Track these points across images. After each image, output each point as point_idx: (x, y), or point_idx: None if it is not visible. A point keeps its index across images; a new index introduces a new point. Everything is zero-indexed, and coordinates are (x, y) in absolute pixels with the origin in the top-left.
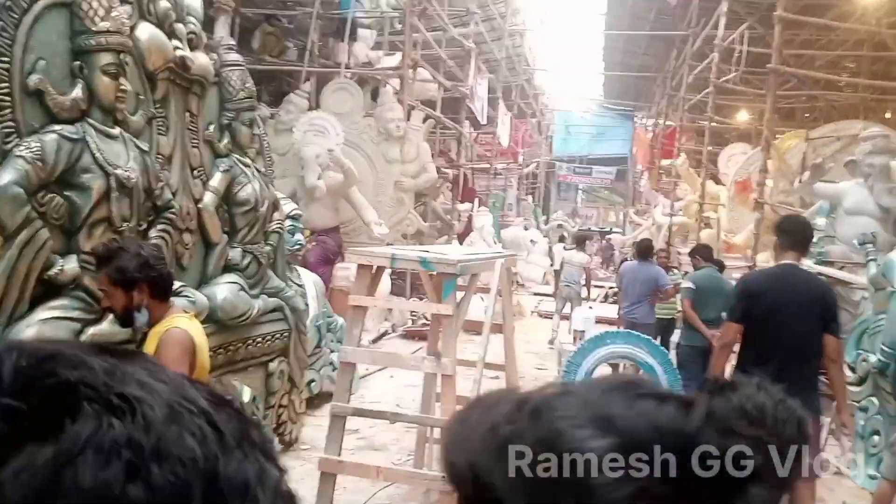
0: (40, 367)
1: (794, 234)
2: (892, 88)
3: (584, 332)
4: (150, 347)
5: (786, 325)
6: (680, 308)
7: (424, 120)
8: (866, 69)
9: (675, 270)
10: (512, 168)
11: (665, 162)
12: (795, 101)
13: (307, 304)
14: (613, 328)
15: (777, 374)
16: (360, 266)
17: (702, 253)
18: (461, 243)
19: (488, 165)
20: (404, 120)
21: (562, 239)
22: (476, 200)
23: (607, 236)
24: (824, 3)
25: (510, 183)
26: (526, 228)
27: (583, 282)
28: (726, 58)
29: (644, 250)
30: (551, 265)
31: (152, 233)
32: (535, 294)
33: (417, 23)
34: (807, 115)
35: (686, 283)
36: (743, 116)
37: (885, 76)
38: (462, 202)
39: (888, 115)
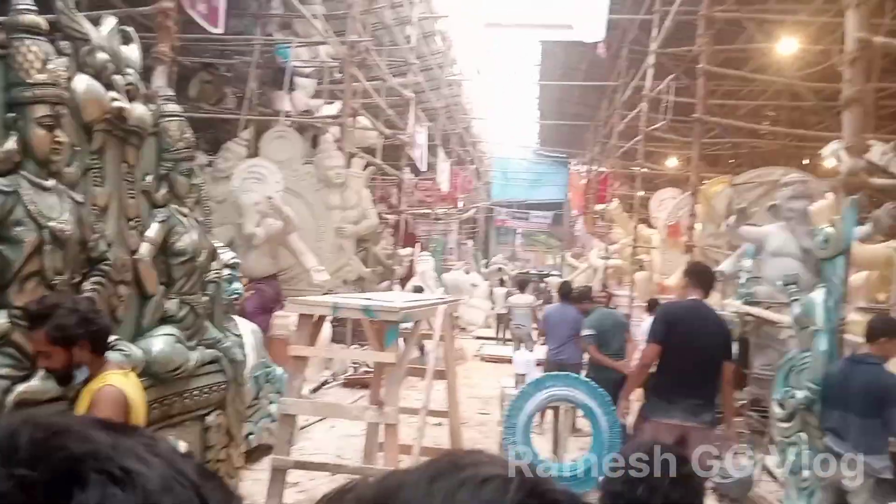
0: (52, 440)
1: (701, 275)
2: (809, 136)
3: (525, 375)
4: (83, 405)
5: (698, 350)
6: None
7: (365, 167)
8: (785, 118)
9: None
10: (452, 213)
11: (599, 207)
12: (720, 148)
13: (245, 355)
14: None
15: (689, 392)
16: (302, 315)
17: (562, 291)
18: (403, 288)
19: (429, 211)
20: (345, 167)
21: (502, 282)
22: (417, 245)
23: (545, 279)
24: (744, 56)
25: (451, 228)
26: (467, 272)
27: (533, 323)
28: (655, 107)
29: (566, 292)
30: (492, 308)
31: (86, 285)
32: (478, 338)
33: (357, 72)
34: (731, 161)
35: (585, 331)
36: (672, 163)
37: (802, 125)
38: (404, 247)
39: (806, 161)
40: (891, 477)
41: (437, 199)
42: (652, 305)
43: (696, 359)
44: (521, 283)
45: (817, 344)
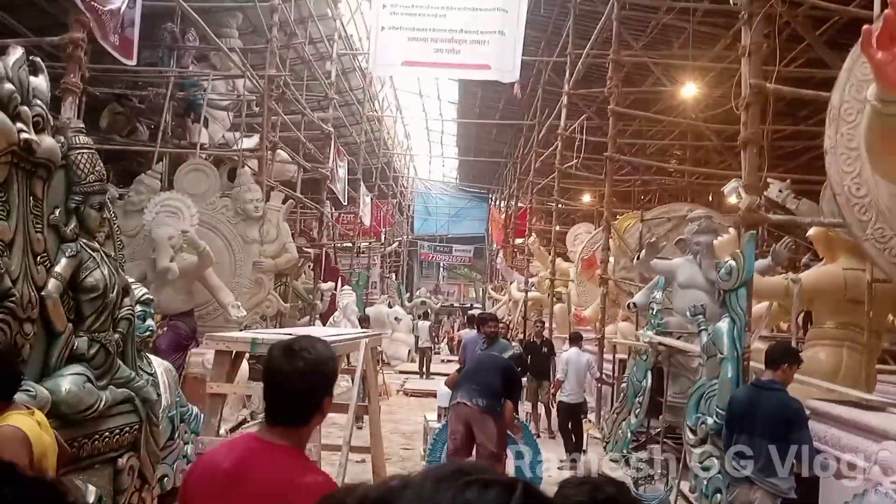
0: None
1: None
2: (713, 174)
3: (448, 408)
4: None
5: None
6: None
7: (284, 200)
8: (690, 157)
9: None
10: (374, 247)
11: (518, 241)
12: (631, 185)
13: (159, 394)
14: None
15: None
16: (219, 352)
17: (468, 320)
18: (324, 323)
19: (351, 244)
20: (263, 200)
21: (425, 316)
22: (339, 279)
23: (469, 312)
24: (651, 97)
25: (373, 261)
26: (390, 306)
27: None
28: (569, 145)
29: (471, 319)
30: (416, 342)
31: None
32: (401, 372)
33: (275, 106)
34: (642, 197)
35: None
36: (586, 199)
37: (706, 163)
38: (325, 281)
39: (711, 198)
40: (795, 497)
41: (360, 232)
42: (574, 339)
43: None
44: (472, 319)
45: (724, 371)
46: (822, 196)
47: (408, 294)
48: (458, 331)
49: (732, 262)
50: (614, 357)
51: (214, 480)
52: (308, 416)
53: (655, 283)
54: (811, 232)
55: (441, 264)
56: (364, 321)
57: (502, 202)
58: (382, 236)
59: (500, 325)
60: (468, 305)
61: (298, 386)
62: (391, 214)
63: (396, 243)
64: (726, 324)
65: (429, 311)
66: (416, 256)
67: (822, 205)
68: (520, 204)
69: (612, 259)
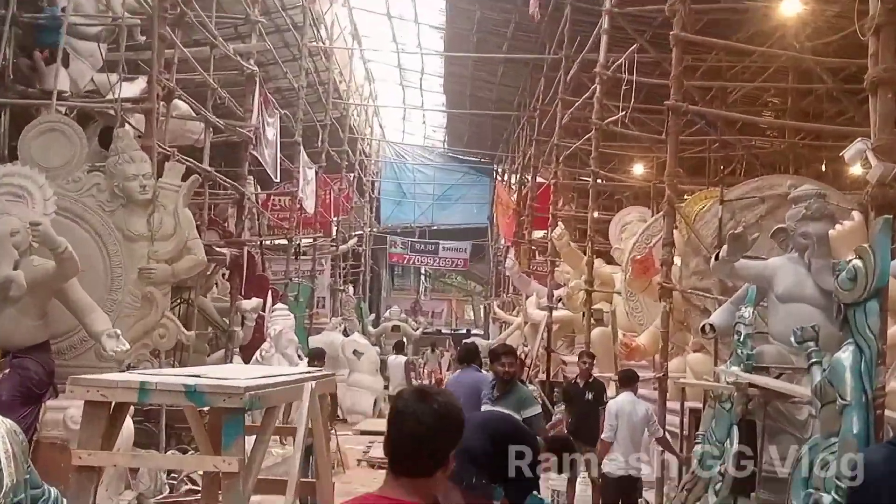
0: None
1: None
2: (827, 132)
3: None
4: None
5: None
6: None
7: (186, 176)
8: (793, 107)
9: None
10: (322, 246)
11: (538, 234)
12: (705, 149)
13: None
14: None
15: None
16: (90, 403)
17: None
18: (247, 360)
19: (286, 241)
20: (153, 176)
21: (399, 347)
22: (269, 294)
23: (464, 341)
24: (736, 18)
25: (321, 267)
26: (346, 333)
27: None
28: (612, 91)
29: (467, 355)
30: (386, 387)
31: None
32: (364, 433)
33: (171, 34)
34: (722, 167)
35: None
36: (638, 170)
37: (817, 116)
38: (248, 297)
39: (823, 167)
40: None
41: (299, 223)
42: (625, 380)
43: None
44: (471, 354)
45: (848, 424)
46: None
47: (373, 316)
48: (448, 370)
49: (858, 263)
50: (682, 406)
51: None
52: (435, 466)
53: (743, 294)
54: None
55: (422, 270)
56: (317, 358)
57: (513, 176)
58: (334, 229)
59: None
60: (464, 331)
61: (430, 430)
62: (346, 197)
63: (355, 240)
64: (849, 354)
65: (404, 340)
66: (385, 259)
67: None
68: (539, 179)
69: (677, 260)
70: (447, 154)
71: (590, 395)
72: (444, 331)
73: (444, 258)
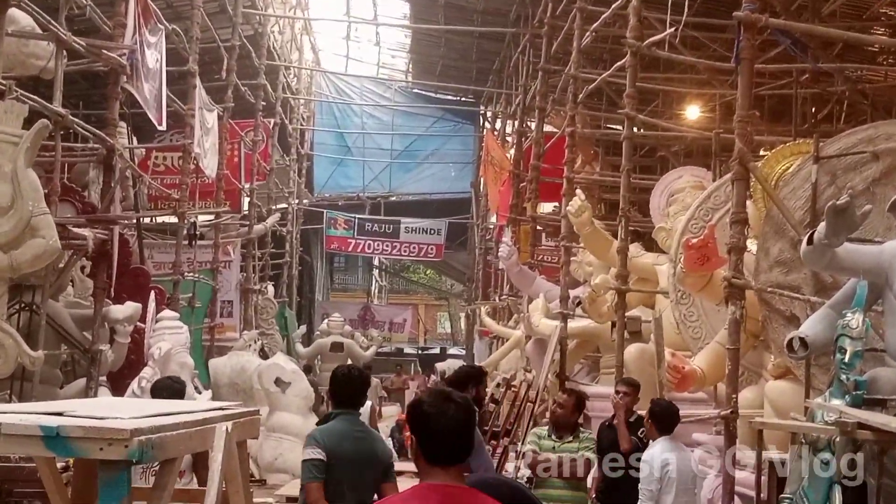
0: None
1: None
2: None
3: None
4: None
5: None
6: None
7: (30, 122)
8: None
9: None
10: (229, 226)
11: (546, 208)
12: (792, 83)
13: None
14: None
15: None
16: None
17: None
18: (118, 389)
19: (176, 219)
20: None
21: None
22: (152, 296)
23: (437, 364)
24: None
25: (226, 256)
26: (265, 354)
27: None
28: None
29: (464, 379)
30: None
31: None
32: (291, 501)
33: None
34: (813, 110)
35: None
36: (693, 113)
37: None
38: (119, 301)
39: None
40: None
41: (194, 191)
42: (665, 417)
43: None
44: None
45: None
46: None
47: (303, 329)
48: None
49: None
50: (759, 456)
51: None
52: (467, 454)
53: (849, 294)
54: None
55: (375, 262)
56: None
57: (509, 124)
58: (245, 201)
59: (506, 390)
60: (437, 350)
61: (462, 423)
62: (264, 153)
63: (276, 216)
64: None
65: (352, 363)
66: (321, 245)
67: None
68: (548, 128)
69: (751, 245)
70: (412, 91)
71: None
72: (408, 350)
73: (408, 244)
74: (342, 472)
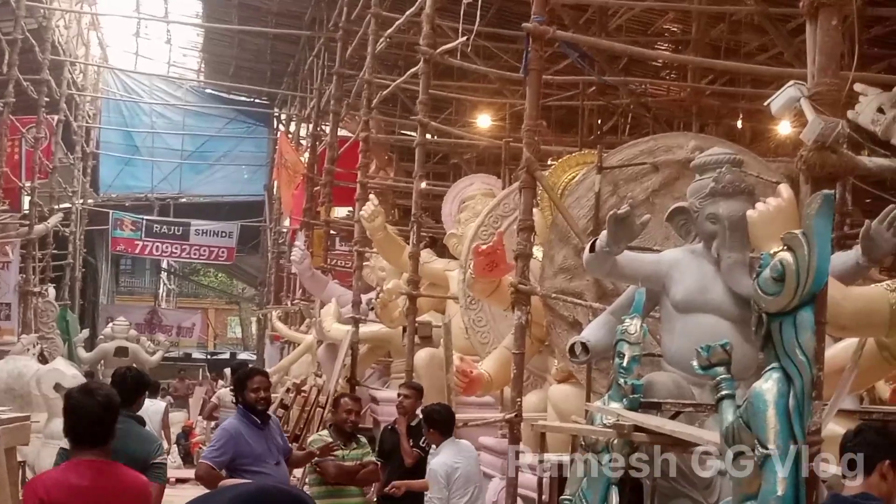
0: None
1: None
2: (744, 71)
3: None
4: None
5: None
6: None
7: None
8: (699, 38)
9: None
10: (7, 225)
11: (340, 212)
12: (579, 94)
13: None
14: None
15: None
16: None
17: None
18: None
19: None
20: None
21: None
22: None
23: (226, 369)
24: None
25: (4, 257)
26: (44, 359)
27: None
28: (450, 7)
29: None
30: None
31: None
32: None
33: None
34: (599, 121)
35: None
36: (484, 122)
37: (732, 52)
38: None
39: (740, 123)
40: None
41: None
42: (443, 422)
43: None
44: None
45: (770, 481)
46: None
47: (86, 332)
48: (205, 419)
49: (786, 257)
50: (541, 458)
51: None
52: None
53: (627, 300)
54: None
55: (164, 265)
56: None
57: (304, 126)
58: (25, 200)
59: (296, 395)
60: (227, 355)
61: (102, 413)
62: (46, 151)
63: (59, 216)
64: (773, 384)
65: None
66: (106, 247)
67: None
68: (343, 132)
69: (537, 250)
70: (204, 91)
71: (415, 447)
72: (196, 355)
73: (199, 246)
74: None
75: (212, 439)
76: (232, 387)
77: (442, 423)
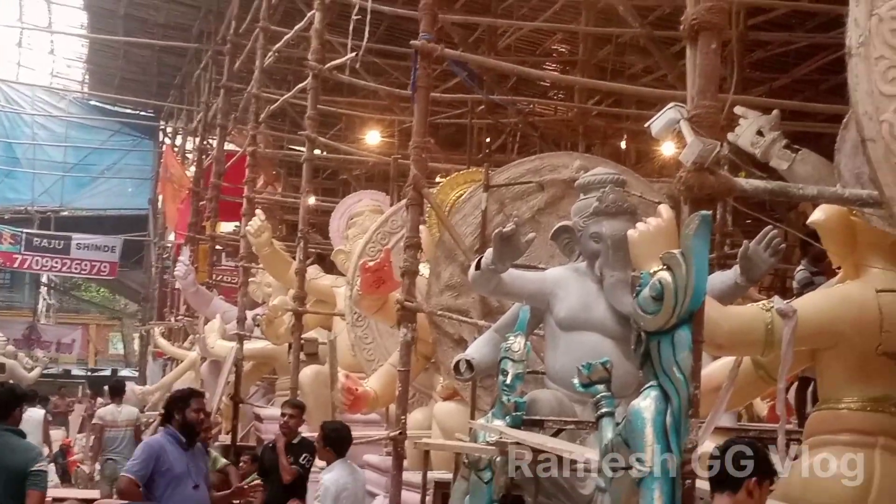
0: None
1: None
2: (631, 94)
3: None
4: None
5: None
6: None
7: None
8: (587, 59)
9: None
10: None
11: (226, 227)
12: (467, 113)
13: None
14: None
15: None
16: None
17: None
18: None
19: None
20: None
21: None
22: None
23: (105, 386)
24: None
25: None
26: None
27: None
28: (339, 21)
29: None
30: None
31: None
32: None
33: None
34: (487, 139)
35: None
36: (373, 138)
37: (618, 73)
38: None
39: (624, 144)
40: None
41: None
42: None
43: None
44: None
45: (647, 499)
46: (839, 144)
47: None
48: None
49: (665, 276)
50: (424, 477)
51: None
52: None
53: (512, 318)
54: (816, 216)
55: (44, 279)
56: None
57: (189, 140)
58: None
59: None
60: (108, 372)
61: None
62: None
63: None
64: (651, 402)
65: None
66: None
67: (838, 161)
68: (230, 146)
69: (424, 267)
70: (88, 103)
71: (295, 465)
72: (76, 371)
73: (80, 261)
74: None
75: (134, 454)
76: (163, 407)
77: (338, 442)
